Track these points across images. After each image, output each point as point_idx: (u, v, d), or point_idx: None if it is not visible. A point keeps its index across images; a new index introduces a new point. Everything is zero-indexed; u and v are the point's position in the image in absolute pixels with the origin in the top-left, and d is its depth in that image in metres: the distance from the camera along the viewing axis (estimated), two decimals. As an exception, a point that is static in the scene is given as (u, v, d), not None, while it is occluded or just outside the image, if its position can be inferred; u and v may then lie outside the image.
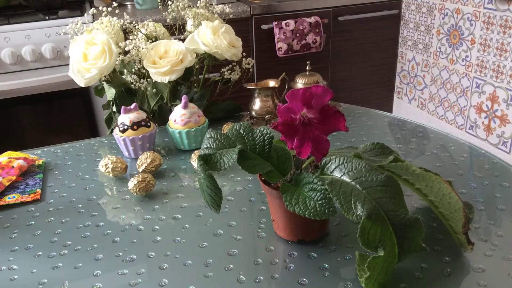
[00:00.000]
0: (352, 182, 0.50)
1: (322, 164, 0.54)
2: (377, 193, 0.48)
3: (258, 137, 0.57)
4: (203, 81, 1.06)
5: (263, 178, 0.60)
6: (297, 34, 2.08)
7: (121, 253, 0.62)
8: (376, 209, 0.47)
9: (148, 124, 0.88)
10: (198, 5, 1.05)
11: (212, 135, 0.58)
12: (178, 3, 1.04)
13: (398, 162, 0.56)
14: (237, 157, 0.54)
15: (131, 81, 0.98)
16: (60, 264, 0.61)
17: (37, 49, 1.81)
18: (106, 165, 0.80)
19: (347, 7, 2.19)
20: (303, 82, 1.00)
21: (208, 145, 0.57)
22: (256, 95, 0.99)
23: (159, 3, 1.14)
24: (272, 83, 0.99)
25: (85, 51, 0.91)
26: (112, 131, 1.00)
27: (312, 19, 2.08)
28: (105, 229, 0.68)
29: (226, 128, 0.94)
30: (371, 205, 0.47)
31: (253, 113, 1.00)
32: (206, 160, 0.55)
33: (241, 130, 0.58)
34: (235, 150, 0.55)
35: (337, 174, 0.52)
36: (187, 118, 0.88)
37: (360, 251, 0.51)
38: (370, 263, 0.48)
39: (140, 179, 0.74)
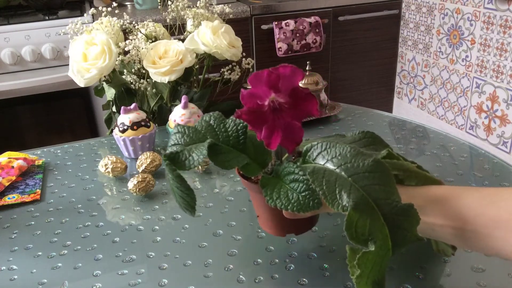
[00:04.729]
0: (337, 170, 0.44)
1: (303, 151, 0.49)
2: (365, 180, 0.43)
3: (231, 127, 0.52)
4: (203, 81, 1.06)
5: (241, 172, 0.54)
6: (297, 34, 2.08)
7: (121, 253, 0.62)
8: (364, 198, 0.42)
9: (148, 124, 0.88)
10: (198, 5, 1.05)
11: (179, 130, 0.52)
12: (178, 3, 1.04)
13: (393, 158, 0.50)
14: (208, 152, 0.48)
15: (131, 81, 0.98)
16: (60, 264, 0.60)
17: (37, 49, 1.81)
18: (106, 165, 0.80)
19: (347, 7, 2.19)
20: (303, 82, 1.00)
21: (176, 141, 0.51)
22: (256, 95, 0.99)
23: (159, 3, 1.14)
24: (272, 83, 0.99)
25: (85, 51, 0.91)
26: (111, 131, 1.00)
27: (312, 19, 2.08)
28: (105, 229, 0.68)
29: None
30: (358, 194, 0.42)
31: (253, 113, 0.99)
32: (173, 159, 0.49)
33: (211, 121, 0.52)
34: (204, 145, 0.49)
35: (320, 161, 0.46)
36: (187, 118, 0.88)
37: (352, 245, 0.48)
38: (360, 259, 0.43)
39: (140, 179, 0.74)
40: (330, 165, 0.45)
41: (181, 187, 0.49)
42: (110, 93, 1.04)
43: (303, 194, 0.46)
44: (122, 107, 0.86)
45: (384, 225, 0.42)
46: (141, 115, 0.87)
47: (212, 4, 1.09)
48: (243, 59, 1.06)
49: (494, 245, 0.43)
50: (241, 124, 0.52)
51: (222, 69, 1.07)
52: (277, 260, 0.59)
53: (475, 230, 0.43)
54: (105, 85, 1.04)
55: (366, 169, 0.43)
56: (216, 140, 0.51)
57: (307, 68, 1.02)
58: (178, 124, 0.53)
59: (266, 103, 0.45)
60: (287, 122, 0.45)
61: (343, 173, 0.44)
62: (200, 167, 0.82)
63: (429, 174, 0.50)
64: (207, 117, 0.53)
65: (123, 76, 0.99)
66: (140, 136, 0.86)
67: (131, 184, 0.74)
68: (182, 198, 0.50)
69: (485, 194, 0.45)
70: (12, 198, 0.76)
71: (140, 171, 0.80)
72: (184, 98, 0.89)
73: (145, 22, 1.02)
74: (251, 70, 1.09)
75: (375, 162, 0.44)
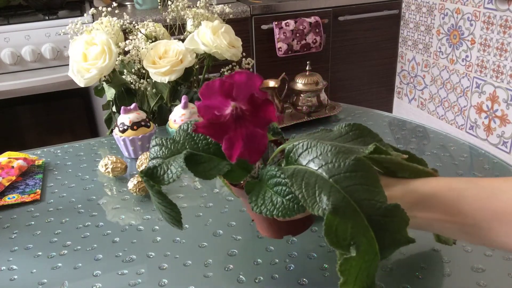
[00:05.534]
0: (318, 170, 0.42)
1: (286, 151, 0.46)
2: (346, 180, 0.40)
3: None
4: (203, 81, 1.06)
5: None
6: (297, 34, 2.08)
7: (121, 253, 0.62)
8: (345, 200, 0.39)
9: (148, 124, 0.88)
10: (198, 5, 1.05)
11: (157, 142, 0.50)
12: (178, 3, 1.04)
13: (381, 152, 0.46)
14: (187, 163, 0.46)
15: (131, 81, 0.98)
16: (60, 264, 0.60)
17: (37, 49, 1.81)
18: (106, 165, 0.80)
19: (347, 7, 2.19)
20: (303, 82, 1.00)
21: (154, 154, 0.49)
22: (256, 95, 0.99)
23: (159, 3, 1.14)
24: (272, 83, 0.99)
25: (85, 51, 0.91)
26: (111, 131, 1.00)
27: (312, 19, 2.08)
28: (105, 229, 0.68)
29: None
30: (339, 196, 0.39)
31: (253, 113, 0.99)
32: (151, 175, 0.47)
33: (189, 130, 0.50)
34: (181, 156, 0.46)
35: (302, 162, 0.44)
36: (187, 118, 0.88)
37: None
38: (343, 266, 0.40)
39: (140, 179, 0.74)
40: (312, 166, 0.43)
41: (163, 202, 0.47)
42: (110, 93, 1.04)
43: (287, 197, 0.43)
44: (122, 107, 0.86)
45: (368, 227, 0.40)
46: (141, 115, 0.87)
47: (212, 4, 1.09)
48: (243, 59, 1.06)
49: (496, 239, 0.42)
50: None
51: (222, 69, 1.07)
52: (277, 260, 0.59)
53: (475, 225, 0.42)
54: (105, 85, 1.04)
55: (347, 169, 0.41)
56: (195, 149, 0.48)
57: (307, 68, 1.02)
58: (156, 137, 0.51)
59: (228, 111, 0.42)
60: (250, 131, 0.43)
61: (324, 174, 0.41)
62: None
63: (421, 167, 0.48)
64: (184, 125, 0.51)
65: (123, 76, 0.99)
66: (140, 136, 0.86)
67: (131, 184, 0.74)
68: (166, 213, 0.48)
69: (484, 186, 0.44)
70: (12, 198, 0.76)
71: (140, 171, 0.80)
72: (184, 98, 0.89)
73: (145, 22, 1.02)
74: (251, 70, 1.09)
75: (357, 161, 0.41)
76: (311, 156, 0.43)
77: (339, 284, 0.40)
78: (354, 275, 0.40)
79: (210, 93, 0.41)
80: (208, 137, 0.49)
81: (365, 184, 0.40)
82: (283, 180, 0.44)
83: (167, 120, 0.92)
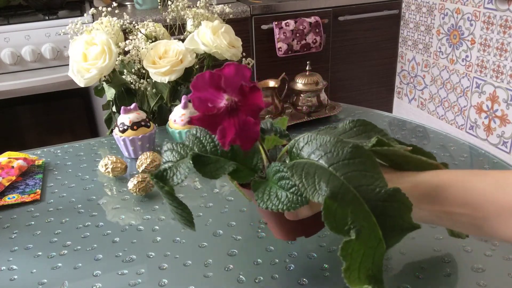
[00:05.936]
0: (320, 161, 0.43)
1: (289, 147, 0.48)
2: (345, 168, 0.41)
3: (216, 136, 0.51)
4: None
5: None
6: (297, 34, 2.08)
7: (121, 253, 0.62)
8: (343, 186, 0.40)
9: (148, 124, 0.88)
10: (198, 5, 1.05)
11: (168, 147, 0.52)
12: (178, 3, 1.04)
13: (384, 145, 0.46)
14: (195, 164, 0.48)
15: (131, 81, 0.98)
16: (59, 264, 0.61)
17: (37, 49, 1.81)
18: (106, 165, 0.80)
19: (347, 7, 2.19)
20: (303, 82, 1.00)
21: (167, 158, 0.52)
22: (256, 95, 0.99)
23: (159, 3, 1.14)
24: (272, 83, 0.99)
25: (85, 51, 0.91)
26: (111, 131, 1.00)
27: (312, 19, 2.08)
28: (105, 229, 0.68)
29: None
30: (337, 182, 0.41)
31: (253, 113, 0.99)
32: (161, 177, 0.49)
33: (197, 134, 0.53)
34: (189, 157, 0.49)
35: (304, 155, 0.45)
36: (187, 118, 0.88)
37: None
38: (344, 250, 0.40)
39: (140, 179, 0.74)
40: (312, 157, 0.44)
41: (173, 203, 0.49)
42: (110, 93, 1.04)
43: (291, 190, 0.44)
44: (122, 107, 0.86)
45: (369, 213, 0.40)
46: (141, 115, 0.87)
47: (212, 4, 1.09)
48: (243, 59, 1.06)
49: (503, 232, 0.42)
50: None
51: (222, 69, 1.07)
52: (277, 260, 0.59)
53: (484, 217, 0.42)
54: (105, 85, 1.04)
55: (345, 156, 0.42)
56: (204, 152, 0.51)
57: (307, 68, 1.02)
58: (167, 142, 0.53)
59: (222, 104, 0.44)
60: (243, 120, 0.44)
61: (323, 163, 0.43)
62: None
63: (424, 159, 0.48)
64: (194, 130, 0.53)
65: (123, 76, 0.99)
66: (140, 136, 0.86)
67: (131, 184, 0.74)
68: (178, 214, 0.50)
69: (493, 178, 0.43)
70: (12, 198, 0.76)
71: (140, 171, 0.80)
72: (184, 98, 0.89)
73: (145, 22, 1.02)
74: (251, 70, 1.09)
75: (354, 148, 0.42)
76: (311, 148, 0.45)
77: (343, 269, 0.40)
78: (358, 261, 0.40)
79: (201, 85, 0.43)
80: (215, 140, 0.51)
81: (363, 170, 0.41)
82: (286, 174, 0.45)
83: (167, 120, 0.92)
